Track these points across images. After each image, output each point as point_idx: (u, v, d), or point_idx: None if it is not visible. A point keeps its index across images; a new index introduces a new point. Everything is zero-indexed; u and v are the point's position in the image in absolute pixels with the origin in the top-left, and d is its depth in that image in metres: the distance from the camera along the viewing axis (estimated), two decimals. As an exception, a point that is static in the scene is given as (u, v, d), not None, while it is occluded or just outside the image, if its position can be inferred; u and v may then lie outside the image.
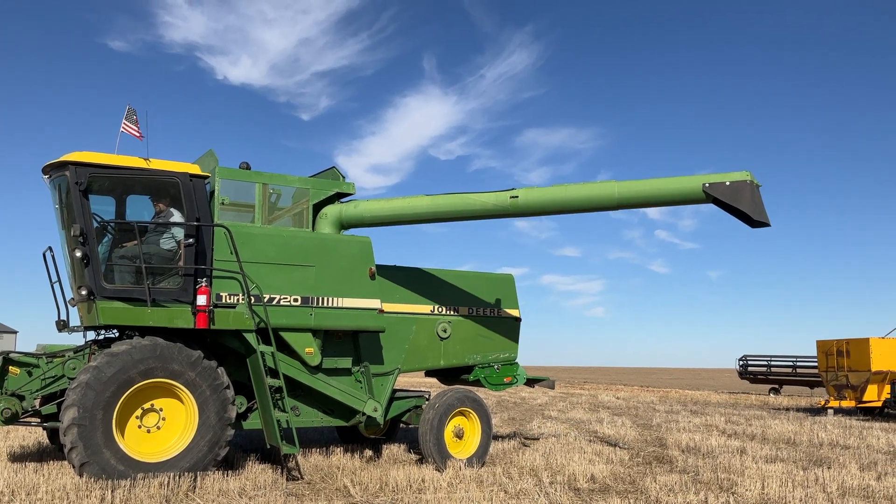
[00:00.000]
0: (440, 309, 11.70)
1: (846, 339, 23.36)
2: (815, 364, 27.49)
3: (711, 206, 9.68)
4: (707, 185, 9.35)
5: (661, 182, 9.64)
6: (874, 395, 22.66)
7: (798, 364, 33.54)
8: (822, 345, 24.37)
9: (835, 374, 23.54)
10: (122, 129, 9.87)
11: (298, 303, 10.01)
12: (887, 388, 22.35)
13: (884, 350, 22.51)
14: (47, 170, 9.47)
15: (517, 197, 10.05)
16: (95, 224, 9.22)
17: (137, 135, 9.94)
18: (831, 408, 23.36)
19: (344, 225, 10.78)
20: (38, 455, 10.85)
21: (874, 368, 22.19)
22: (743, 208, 9.17)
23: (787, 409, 25.16)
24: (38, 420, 9.77)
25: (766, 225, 9.37)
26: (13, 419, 8.89)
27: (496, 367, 12.14)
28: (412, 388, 12.87)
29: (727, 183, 9.30)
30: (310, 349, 10.11)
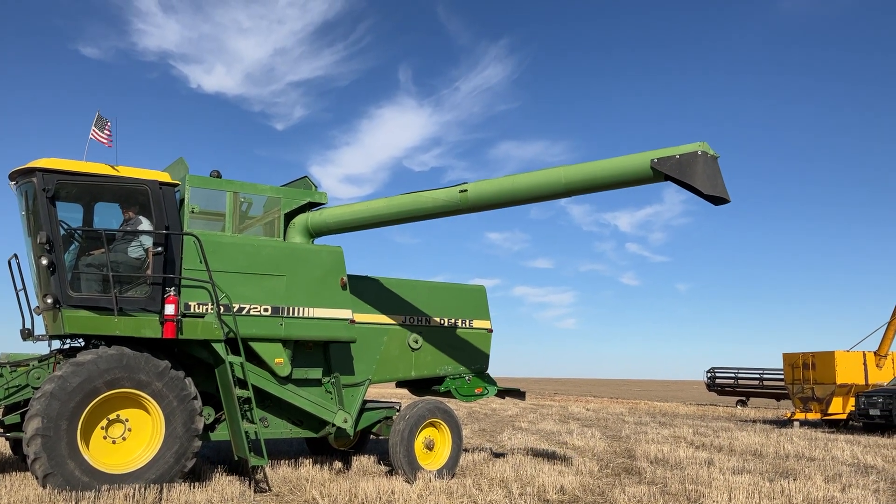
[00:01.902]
0: (412, 320, 11.68)
1: (812, 352, 23.70)
2: (782, 376, 27.85)
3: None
4: (655, 160, 8.36)
5: (608, 162, 8.86)
6: (839, 408, 23.01)
7: (765, 377, 33.94)
8: (788, 357, 24.70)
9: (801, 387, 23.86)
10: (90, 136, 9.76)
11: (268, 313, 9.94)
12: (852, 401, 22.69)
13: (849, 363, 22.88)
14: (14, 176, 9.34)
15: (466, 191, 9.65)
16: (62, 231, 9.11)
17: (106, 142, 9.84)
18: (797, 420, 23.66)
19: (311, 233, 10.71)
20: (1, 466, 10.64)
21: (839, 381, 22.54)
22: (694, 183, 8.17)
23: (754, 422, 25.43)
24: (1, 430, 9.58)
25: (725, 201, 8.36)
26: (-26, 429, 8.72)
27: (467, 378, 12.14)
28: (383, 399, 12.82)
29: (677, 156, 8.27)
30: (279, 360, 10.04)
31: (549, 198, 9.34)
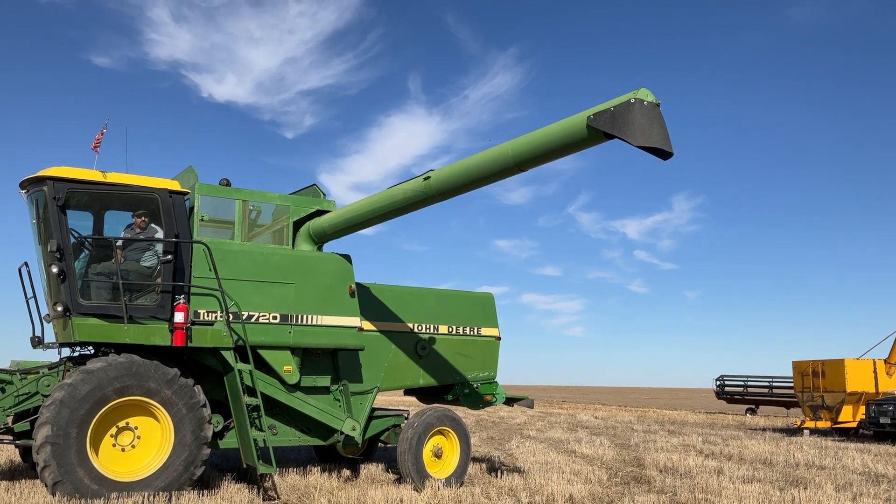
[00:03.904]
0: (420, 327, 11.68)
1: (822, 359, 23.58)
2: (791, 384, 27.71)
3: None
4: (591, 116, 7.47)
5: (549, 128, 8.08)
6: (849, 416, 22.86)
7: (774, 384, 33.77)
8: (797, 365, 24.58)
9: (810, 395, 23.74)
10: (95, 144, 9.82)
11: (277, 320, 9.96)
12: (862, 409, 22.55)
13: (859, 371, 22.74)
14: (25, 184, 9.40)
15: (430, 178, 9.32)
16: (72, 240, 9.15)
17: (94, 146, 9.84)
18: (807, 428, 23.52)
19: (314, 239, 10.71)
20: (10, 474, 10.68)
21: (849, 389, 22.40)
22: (625, 136, 7.23)
23: (764, 430, 25.30)
24: (11, 438, 9.61)
25: (666, 153, 7.33)
26: (-15, 437, 8.76)
27: (475, 386, 12.13)
28: (391, 407, 12.82)
29: (612, 109, 7.37)
30: (288, 367, 10.06)
31: (503, 173, 8.68)
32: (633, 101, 7.27)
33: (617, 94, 7.37)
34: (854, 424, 22.90)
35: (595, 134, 7.51)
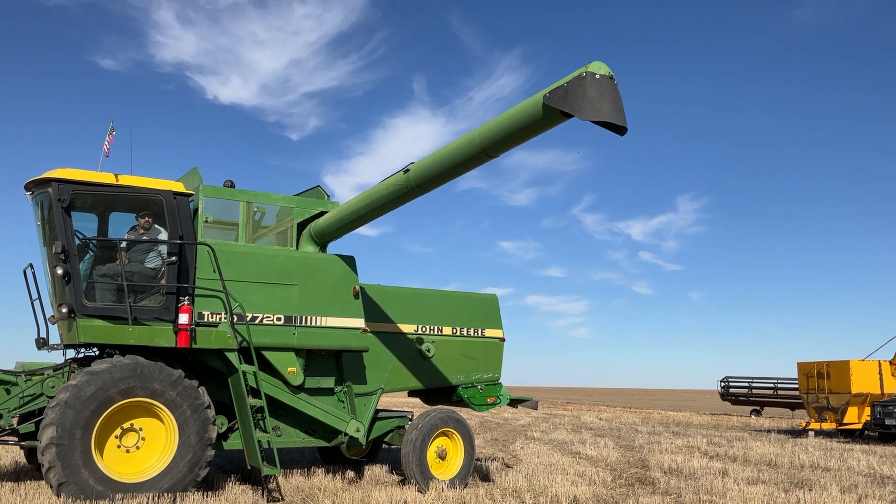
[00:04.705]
0: (424, 329, 11.68)
1: (827, 361, 23.53)
2: (796, 386, 27.63)
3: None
4: (547, 95, 7.16)
5: (511, 110, 7.81)
6: (855, 418, 22.80)
7: (779, 386, 33.74)
8: (802, 367, 24.52)
9: (815, 396, 23.68)
10: (104, 147, 9.84)
11: (281, 322, 9.96)
12: (867, 411, 22.49)
13: (864, 372, 22.68)
14: (30, 186, 9.42)
15: (409, 171, 9.19)
16: (77, 241, 9.17)
17: (105, 152, 9.87)
18: (812, 430, 23.47)
19: (315, 240, 10.71)
20: (15, 475, 10.70)
21: (854, 390, 22.35)
22: (574, 111, 6.90)
23: (769, 431, 25.25)
24: (16, 439, 9.63)
25: (620, 128, 6.93)
26: (-10, 438, 8.78)
27: (480, 387, 12.11)
28: (395, 408, 12.81)
29: (565, 85, 7.01)
30: (292, 369, 10.06)
31: (473, 160, 8.51)
32: (584, 74, 6.91)
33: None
34: (859, 426, 22.84)
35: (551, 113, 7.22)
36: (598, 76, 6.87)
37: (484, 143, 8.09)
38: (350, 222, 10.15)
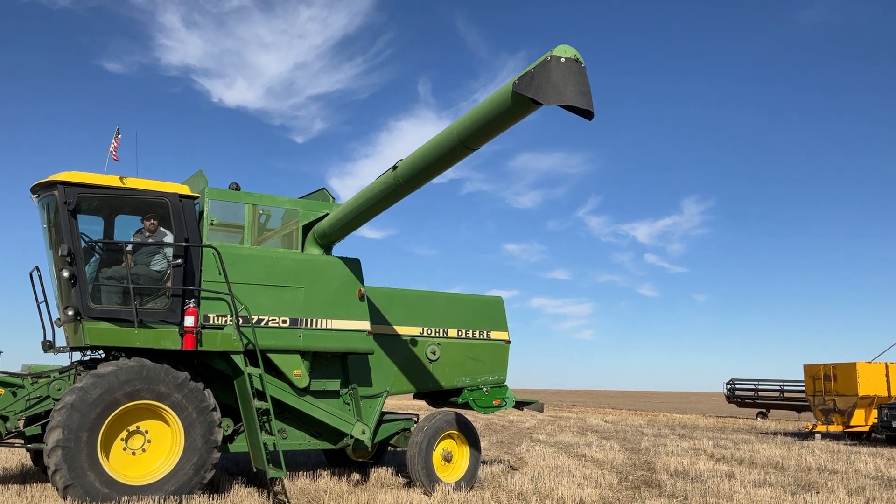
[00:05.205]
0: (429, 331, 11.67)
1: (833, 363, 23.44)
2: (803, 388, 27.56)
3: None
4: (516, 82, 7.06)
5: (484, 100, 7.73)
6: (861, 420, 22.72)
7: (785, 388, 33.59)
8: (809, 369, 24.44)
9: (822, 399, 23.60)
10: (110, 150, 9.84)
11: (287, 324, 9.96)
12: (874, 413, 22.41)
13: (871, 374, 22.61)
14: (36, 189, 9.44)
15: (397, 167, 9.16)
16: (83, 244, 9.19)
17: (114, 156, 9.88)
18: (819, 432, 23.39)
19: (319, 242, 10.70)
20: (21, 477, 10.72)
21: (861, 393, 22.27)
22: (539, 97, 6.78)
23: (775, 434, 25.16)
24: (22, 441, 9.65)
25: (586, 112, 6.82)
26: (-4, 440, 8.79)
27: (485, 389, 12.10)
28: (401, 411, 12.81)
29: (532, 70, 6.91)
30: (298, 371, 10.06)
31: (455, 154, 8.47)
32: (549, 58, 6.78)
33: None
34: (866, 428, 22.75)
35: (520, 100, 7.09)
36: (563, 59, 6.74)
37: (462, 135, 8.08)
38: (348, 222, 10.15)
